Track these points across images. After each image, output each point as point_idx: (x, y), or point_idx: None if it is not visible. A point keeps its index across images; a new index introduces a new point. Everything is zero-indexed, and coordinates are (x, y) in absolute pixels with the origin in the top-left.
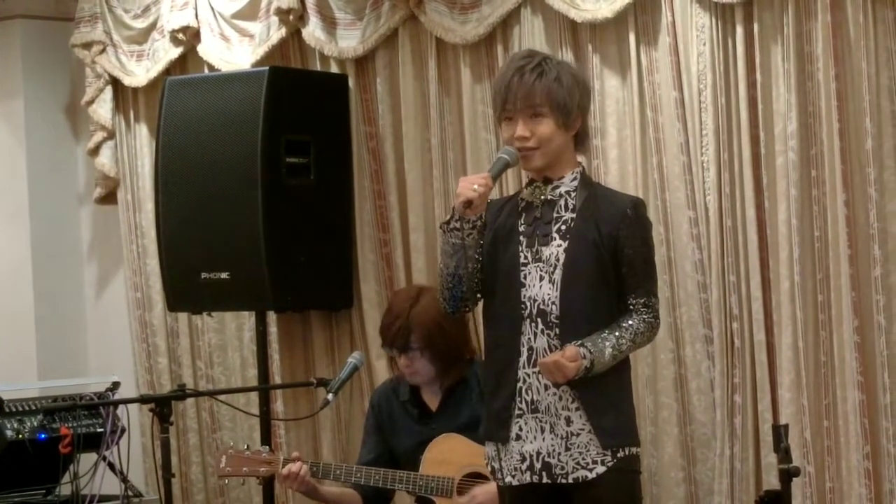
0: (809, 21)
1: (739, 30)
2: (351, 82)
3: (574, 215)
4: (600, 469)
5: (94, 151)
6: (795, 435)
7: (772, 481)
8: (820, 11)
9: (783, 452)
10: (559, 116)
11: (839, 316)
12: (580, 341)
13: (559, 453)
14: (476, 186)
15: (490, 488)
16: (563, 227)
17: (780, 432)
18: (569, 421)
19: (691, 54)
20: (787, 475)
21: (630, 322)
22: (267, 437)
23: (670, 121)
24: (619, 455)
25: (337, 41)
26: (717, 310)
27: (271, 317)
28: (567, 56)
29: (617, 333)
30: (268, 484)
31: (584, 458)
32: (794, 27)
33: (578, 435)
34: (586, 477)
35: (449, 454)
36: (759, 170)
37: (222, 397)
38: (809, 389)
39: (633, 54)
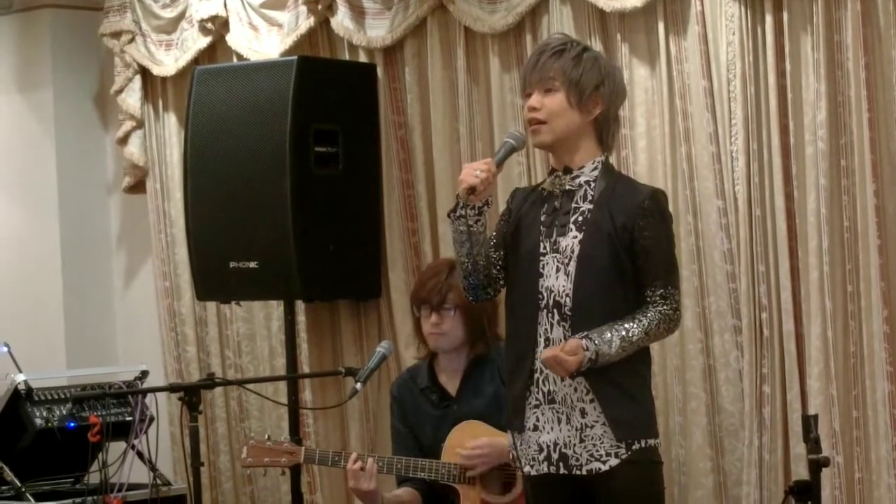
0: (839, 10)
1: (769, 19)
2: (379, 72)
3: (591, 206)
4: (614, 461)
5: (123, 141)
6: (824, 425)
7: (800, 471)
8: (849, 0)
9: (812, 443)
10: (571, 93)
11: (868, 306)
12: (585, 332)
13: (574, 444)
14: (478, 172)
15: (498, 441)
16: (580, 219)
17: (809, 422)
18: (583, 412)
19: (720, 43)
20: (817, 465)
21: (645, 313)
22: (295, 427)
23: (699, 110)
24: (633, 447)
25: (365, 30)
26: (746, 300)
27: (299, 306)
28: (596, 45)
29: (628, 325)
30: (293, 474)
31: (597, 450)
32: (823, 16)
33: (593, 427)
34: (600, 469)
35: (470, 440)
36: (788, 159)
37: (251, 386)
38: (838, 380)
39: (662, 44)
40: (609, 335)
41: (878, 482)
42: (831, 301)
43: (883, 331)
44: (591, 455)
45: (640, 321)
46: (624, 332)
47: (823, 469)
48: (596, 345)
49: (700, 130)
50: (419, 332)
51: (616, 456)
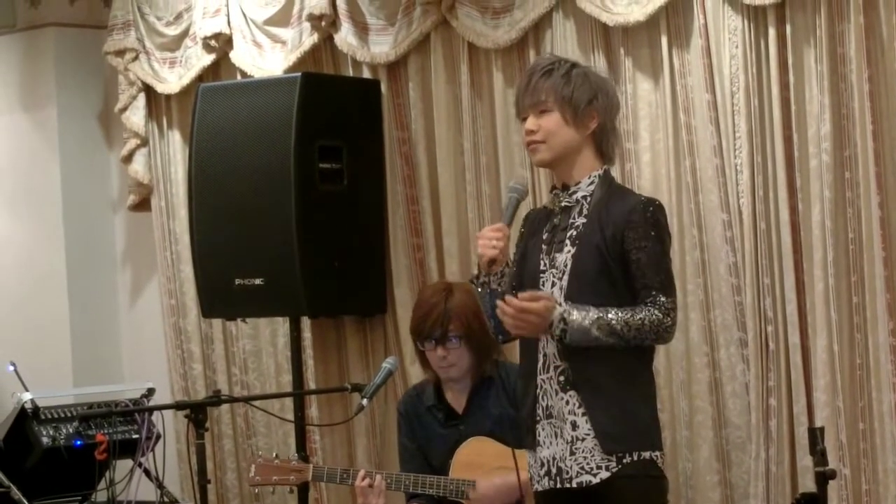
0: (842, 23)
1: (772, 32)
2: (383, 87)
3: (584, 220)
4: (604, 474)
5: (128, 158)
6: (831, 438)
7: (807, 484)
8: (852, 13)
9: (819, 455)
10: (565, 111)
11: (874, 318)
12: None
13: (566, 457)
14: (494, 242)
15: (492, 482)
16: (574, 234)
17: (815, 435)
18: (574, 426)
19: (724, 57)
20: (823, 478)
21: (632, 307)
22: (302, 443)
23: (703, 123)
24: (624, 461)
25: (369, 46)
26: (752, 313)
27: (305, 322)
28: (599, 60)
29: (610, 308)
30: (301, 491)
31: (588, 463)
32: (826, 29)
33: (584, 440)
34: (590, 482)
35: (477, 457)
36: (792, 172)
37: (257, 403)
38: (845, 392)
39: (666, 57)
40: (587, 308)
41: (886, 494)
42: (837, 313)
43: (889, 342)
44: (582, 468)
45: (624, 310)
46: (602, 312)
47: (830, 481)
48: (569, 306)
49: (704, 144)
50: (424, 362)
51: (607, 469)
